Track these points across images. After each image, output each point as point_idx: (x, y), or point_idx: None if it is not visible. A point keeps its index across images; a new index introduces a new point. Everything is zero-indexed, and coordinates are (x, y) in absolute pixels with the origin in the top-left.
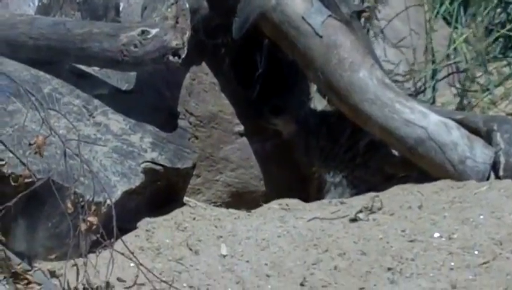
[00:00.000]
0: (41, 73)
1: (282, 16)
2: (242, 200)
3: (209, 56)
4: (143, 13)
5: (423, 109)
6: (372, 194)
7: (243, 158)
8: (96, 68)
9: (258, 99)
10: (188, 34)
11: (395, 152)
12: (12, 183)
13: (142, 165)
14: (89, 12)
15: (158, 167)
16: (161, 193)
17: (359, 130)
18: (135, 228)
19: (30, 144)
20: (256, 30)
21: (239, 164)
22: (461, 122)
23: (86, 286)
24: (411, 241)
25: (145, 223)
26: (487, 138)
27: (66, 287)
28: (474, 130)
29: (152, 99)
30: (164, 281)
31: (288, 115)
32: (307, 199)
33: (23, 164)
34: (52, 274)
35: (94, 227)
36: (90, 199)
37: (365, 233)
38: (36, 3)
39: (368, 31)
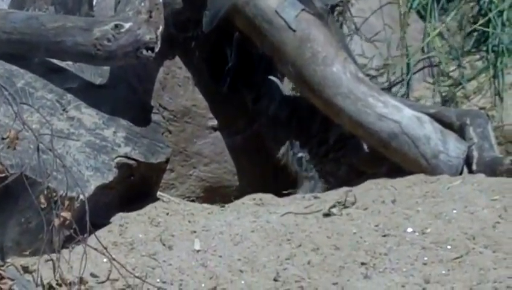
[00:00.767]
0: (14, 67)
1: (255, 10)
2: (216, 194)
3: (180, 50)
4: (116, 7)
5: (396, 103)
6: (346, 188)
7: (217, 153)
8: (70, 62)
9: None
10: (161, 28)
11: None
12: None
13: (116, 160)
14: (62, 7)
15: (131, 162)
16: (134, 187)
17: (331, 123)
18: (108, 223)
19: (3, 139)
20: (228, 23)
21: (212, 158)
22: (434, 117)
23: (59, 281)
24: (384, 236)
25: (118, 218)
26: (460, 132)
27: (39, 282)
28: (447, 124)
29: (125, 94)
30: (137, 277)
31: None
32: (279, 193)
33: None
34: (25, 270)
35: (67, 222)
36: (64, 194)
37: (339, 228)
38: None
39: (342, 25)
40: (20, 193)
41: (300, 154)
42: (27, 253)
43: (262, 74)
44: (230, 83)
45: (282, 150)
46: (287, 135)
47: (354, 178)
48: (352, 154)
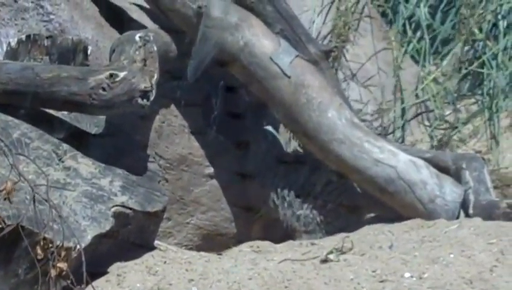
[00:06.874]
0: (10, 118)
1: (250, 57)
2: (213, 242)
3: (171, 98)
4: (111, 56)
5: (392, 148)
6: (343, 234)
7: (214, 200)
8: (66, 112)
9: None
10: (156, 76)
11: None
12: None
13: (112, 209)
14: (57, 56)
15: (128, 211)
16: (132, 236)
17: (319, 171)
18: (106, 272)
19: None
20: (214, 71)
21: (210, 206)
22: (430, 161)
23: None
24: (382, 281)
25: (116, 267)
26: (456, 176)
27: None
28: (443, 169)
29: (121, 143)
30: None
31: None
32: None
33: None
34: None
35: (64, 273)
36: (60, 245)
37: (336, 274)
38: (4, 48)
39: (336, 70)
40: (16, 243)
41: (299, 212)
42: None
43: (250, 122)
44: (216, 131)
45: (282, 211)
46: (275, 186)
47: (351, 224)
48: (349, 199)
